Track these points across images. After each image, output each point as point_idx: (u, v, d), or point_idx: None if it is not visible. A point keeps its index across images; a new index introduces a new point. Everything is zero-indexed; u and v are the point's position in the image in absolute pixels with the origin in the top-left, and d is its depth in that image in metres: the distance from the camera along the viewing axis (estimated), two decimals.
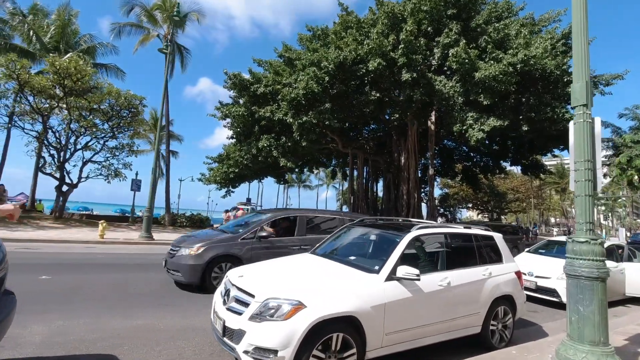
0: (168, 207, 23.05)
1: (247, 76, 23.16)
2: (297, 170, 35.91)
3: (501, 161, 38.18)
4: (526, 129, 20.67)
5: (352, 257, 4.25)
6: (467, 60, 18.49)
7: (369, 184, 36.21)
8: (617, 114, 26.78)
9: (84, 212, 26.47)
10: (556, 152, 36.12)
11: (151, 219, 14.40)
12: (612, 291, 7.69)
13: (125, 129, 19.63)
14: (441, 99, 20.91)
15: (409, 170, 31.39)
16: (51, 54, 17.98)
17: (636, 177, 25.47)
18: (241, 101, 23.84)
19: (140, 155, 44.65)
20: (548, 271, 7.23)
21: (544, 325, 5.98)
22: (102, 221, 14.02)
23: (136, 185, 20.34)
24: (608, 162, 28.22)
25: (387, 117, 31.67)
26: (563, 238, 9.41)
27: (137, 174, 20.71)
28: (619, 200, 68.82)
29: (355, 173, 37.66)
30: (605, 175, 33.74)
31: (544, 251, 8.46)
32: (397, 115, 22.92)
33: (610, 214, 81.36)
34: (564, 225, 64.93)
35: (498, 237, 5.00)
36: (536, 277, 7.29)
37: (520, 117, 20.68)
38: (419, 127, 30.02)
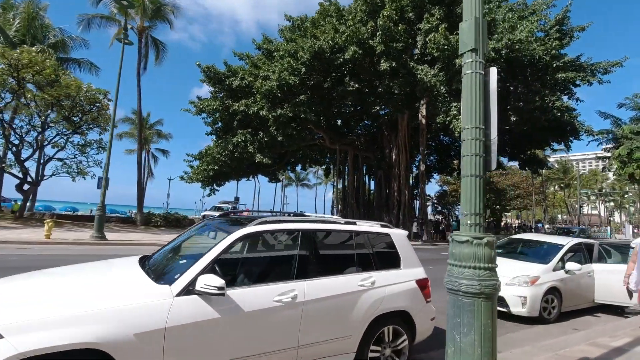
0: (140, 206, 22.23)
1: (222, 69, 22.21)
2: (275, 166, 34.72)
3: (499, 156, 36.80)
4: (514, 119, 19.40)
5: (169, 265, 3.23)
6: (446, 47, 17.28)
7: (359, 182, 35.02)
8: (616, 104, 25.22)
9: (48, 212, 25.69)
10: (555, 146, 34.84)
11: (103, 218, 13.51)
12: (578, 298, 6.56)
13: (91, 125, 18.82)
14: (424, 89, 19.72)
15: (399, 167, 30.20)
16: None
17: (638, 170, 24.02)
18: (221, 95, 22.92)
19: (130, 154, 44.13)
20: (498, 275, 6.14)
21: None
22: (47, 220, 13.19)
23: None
24: (608, 155, 26.72)
25: (378, 112, 30.62)
26: (530, 235, 8.24)
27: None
28: (626, 195, 66.62)
29: (347, 170, 36.61)
30: (604, 169, 32.16)
31: (502, 251, 7.32)
32: (378, 108, 21.76)
33: (619, 210, 79.07)
34: (570, 223, 62.98)
35: (397, 235, 3.90)
36: None
37: (508, 107, 19.39)
38: (410, 122, 28.83)
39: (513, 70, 19.26)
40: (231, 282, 2.86)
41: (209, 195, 31.21)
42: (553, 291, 6.05)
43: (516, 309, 5.80)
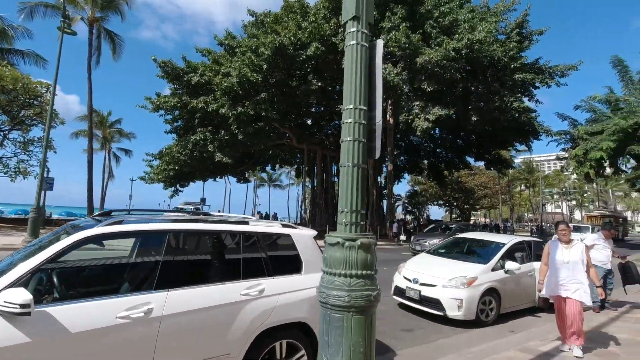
0: (91, 209, 20.90)
1: (181, 65, 21.25)
2: (243, 166, 33.94)
3: (466, 156, 37.56)
4: (475, 119, 19.58)
5: None
6: (407, 45, 17.18)
7: (328, 182, 34.68)
8: (573, 106, 26.12)
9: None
10: (518, 146, 35.88)
11: (38, 220, 12.41)
12: (519, 298, 6.36)
13: (34, 121, 17.46)
14: (386, 87, 19.56)
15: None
16: None
17: (592, 170, 24.92)
18: (180, 92, 21.93)
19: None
20: (436, 277, 5.83)
21: (401, 352, 4.50)
22: None
23: (47, 184, 18.13)
24: (566, 155, 27.62)
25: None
26: (474, 234, 8.03)
27: (48, 171, 18.49)
28: (585, 194, 69.91)
29: (315, 170, 36.20)
30: (562, 169, 33.37)
31: (444, 251, 7.06)
32: (341, 106, 21.41)
33: (580, 209, 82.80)
34: (536, 220, 65.31)
35: (300, 235, 3.44)
36: (421, 284, 5.87)
37: (470, 106, 19.56)
38: None
39: (474, 70, 19.47)
40: (61, 297, 2.31)
41: (171, 196, 30.05)
42: (491, 292, 5.78)
43: (452, 312, 5.49)
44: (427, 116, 18.00)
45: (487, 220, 63.78)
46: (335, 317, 2.06)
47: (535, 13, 22.01)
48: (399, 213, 50.30)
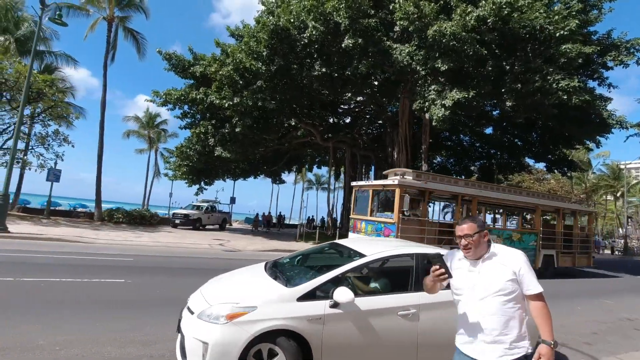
0: (99, 201, 21.25)
1: (188, 57, 20.80)
2: (275, 166, 32.97)
3: (526, 157, 32.29)
4: (510, 104, 15.86)
5: None
6: (416, 16, 14.37)
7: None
8: None
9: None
10: (589, 144, 29.64)
11: (4, 207, 12.30)
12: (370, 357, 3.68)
13: (43, 116, 18.17)
14: (400, 71, 16.85)
15: (400, 166, 27.11)
16: None
17: None
18: (185, 85, 21.54)
19: (140, 154, 44.65)
20: (205, 301, 3.36)
21: None
22: None
23: (54, 176, 18.70)
24: None
25: (385, 106, 27.79)
26: (347, 242, 5.23)
27: (55, 163, 19.12)
28: None
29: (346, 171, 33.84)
30: None
31: (296, 263, 4.40)
32: (350, 95, 19.10)
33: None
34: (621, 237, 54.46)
35: None
36: (187, 309, 3.43)
37: (503, 89, 15.91)
38: (413, 116, 25.77)
39: (508, 45, 15.81)
40: None
41: (196, 194, 30.10)
42: (283, 340, 3.11)
43: None
44: (443, 102, 14.89)
45: None
46: None
47: None
48: (450, 221, 45.49)
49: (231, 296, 3.31)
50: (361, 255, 3.65)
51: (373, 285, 3.68)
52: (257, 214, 35.28)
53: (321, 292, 3.29)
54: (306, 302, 3.22)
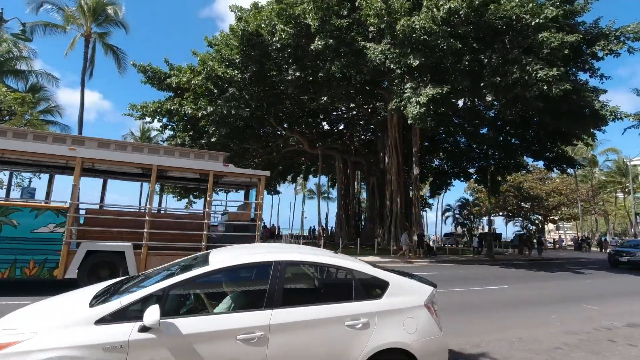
0: None
1: (164, 69, 20.50)
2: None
3: (524, 156, 31.23)
4: (490, 98, 15.11)
5: None
6: (384, 11, 13.80)
7: (347, 191, 31.21)
8: None
9: None
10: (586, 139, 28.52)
11: None
12: None
13: None
14: (374, 70, 16.23)
15: (391, 171, 26.35)
16: None
17: None
18: (164, 98, 21.20)
19: None
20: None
21: None
22: None
23: (28, 194, 18.29)
24: None
25: (374, 110, 27.23)
26: (266, 248, 4.55)
27: (30, 181, 18.83)
28: None
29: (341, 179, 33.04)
30: None
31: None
32: (325, 99, 18.48)
33: None
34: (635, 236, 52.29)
35: None
36: None
37: (482, 83, 15.16)
38: (402, 120, 25.09)
39: (485, 37, 15.14)
40: None
41: (186, 207, 29.64)
42: None
43: None
44: (417, 99, 14.19)
45: (577, 234, 52.25)
46: None
47: None
48: (451, 225, 44.11)
49: (22, 320, 2.62)
50: (204, 264, 2.93)
51: (226, 302, 2.94)
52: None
53: (134, 313, 2.56)
54: (106, 326, 2.49)
